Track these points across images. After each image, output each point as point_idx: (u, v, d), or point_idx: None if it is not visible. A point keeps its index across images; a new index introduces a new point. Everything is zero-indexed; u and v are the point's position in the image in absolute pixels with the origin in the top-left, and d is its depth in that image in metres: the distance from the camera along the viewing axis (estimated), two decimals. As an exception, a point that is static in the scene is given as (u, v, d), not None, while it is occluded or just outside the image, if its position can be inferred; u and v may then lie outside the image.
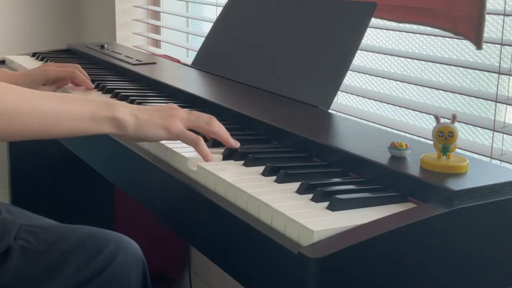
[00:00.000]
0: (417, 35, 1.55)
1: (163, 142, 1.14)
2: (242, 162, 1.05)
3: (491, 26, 1.39)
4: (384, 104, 1.63)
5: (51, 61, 1.95)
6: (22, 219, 1.36)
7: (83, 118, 1.04)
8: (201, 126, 1.10)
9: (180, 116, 1.09)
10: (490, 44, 1.37)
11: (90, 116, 1.04)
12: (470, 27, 1.32)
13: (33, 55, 2.10)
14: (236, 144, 1.11)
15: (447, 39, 1.48)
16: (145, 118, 1.07)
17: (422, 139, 1.27)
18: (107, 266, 1.27)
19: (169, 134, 1.08)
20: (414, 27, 1.49)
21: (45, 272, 1.24)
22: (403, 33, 1.60)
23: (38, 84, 1.51)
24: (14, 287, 1.22)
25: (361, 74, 1.71)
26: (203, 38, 1.84)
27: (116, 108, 1.06)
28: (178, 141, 1.14)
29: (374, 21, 1.52)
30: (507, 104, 1.32)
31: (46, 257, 1.25)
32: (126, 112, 1.06)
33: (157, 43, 2.75)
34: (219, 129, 1.11)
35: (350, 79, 1.74)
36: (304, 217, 0.81)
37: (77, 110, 1.04)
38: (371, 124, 1.43)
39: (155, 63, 1.87)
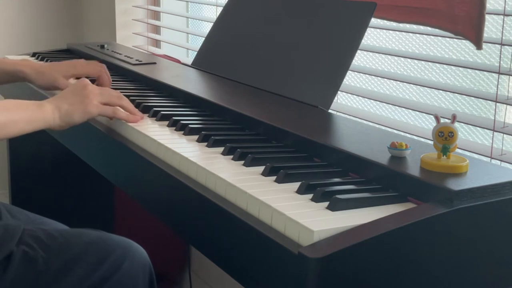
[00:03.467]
0: (417, 35, 1.55)
1: (162, 142, 1.14)
2: (242, 162, 1.05)
3: (491, 26, 1.39)
4: (384, 104, 1.63)
5: (51, 61, 1.95)
6: (26, 223, 1.34)
7: (23, 122, 1.21)
8: (113, 101, 1.28)
9: (94, 94, 1.26)
10: (490, 44, 1.37)
11: (27, 120, 1.21)
12: (470, 27, 1.32)
13: (33, 55, 2.10)
14: (139, 116, 1.30)
15: (447, 39, 1.48)
16: (66, 109, 1.24)
17: (422, 139, 1.27)
18: (113, 274, 1.25)
19: (91, 115, 1.25)
20: (414, 27, 1.49)
21: (46, 281, 1.22)
22: (403, 33, 1.60)
23: (65, 78, 1.55)
24: None
25: (361, 74, 1.71)
26: (203, 38, 1.84)
27: (44, 110, 1.23)
28: (178, 141, 1.14)
29: (374, 21, 1.52)
30: (507, 104, 1.32)
31: (48, 266, 1.23)
32: (49, 110, 1.23)
33: (157, 43, 2.75)
34: (127, 103, 1.30)
35: (350, 79, 1.74)
36: (304, 217, 0.81)
37: (19, 116, 1.20)
38: (371, 124, 1.43)
39: (155, 63, 1.87)
